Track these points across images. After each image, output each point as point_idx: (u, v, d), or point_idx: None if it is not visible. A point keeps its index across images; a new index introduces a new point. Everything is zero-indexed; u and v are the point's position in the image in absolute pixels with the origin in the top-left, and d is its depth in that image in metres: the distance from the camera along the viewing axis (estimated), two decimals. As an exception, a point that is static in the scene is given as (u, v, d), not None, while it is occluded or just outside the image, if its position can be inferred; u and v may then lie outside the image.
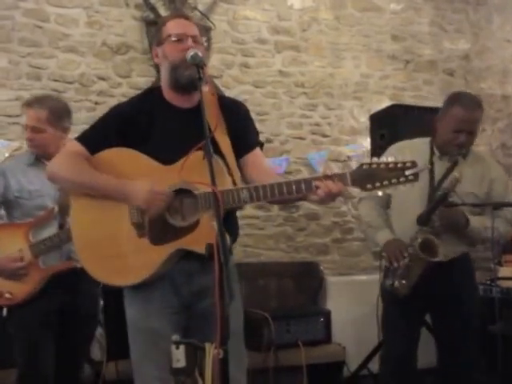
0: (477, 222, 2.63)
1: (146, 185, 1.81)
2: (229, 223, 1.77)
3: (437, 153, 2.71)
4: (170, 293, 1.93)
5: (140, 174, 1.86)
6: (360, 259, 4.62)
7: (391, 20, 4.84)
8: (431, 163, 2.66)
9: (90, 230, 1.91)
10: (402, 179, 1.67)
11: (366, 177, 1.68)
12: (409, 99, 4.71)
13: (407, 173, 1.67)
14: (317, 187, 1.69)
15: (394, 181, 1.67)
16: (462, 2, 5.04)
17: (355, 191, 4.58)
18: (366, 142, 4.27)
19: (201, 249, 1.73)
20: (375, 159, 1.72)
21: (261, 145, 2.08)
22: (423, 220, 2.57)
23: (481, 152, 2.96)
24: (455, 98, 2.67)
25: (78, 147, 1.94)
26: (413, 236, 2.59)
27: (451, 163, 2.57)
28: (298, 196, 1.75)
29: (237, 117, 2.00)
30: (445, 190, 2.49)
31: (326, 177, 1.69)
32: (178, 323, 1.93)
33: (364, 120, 4.54)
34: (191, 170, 1.78)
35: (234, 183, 1.85)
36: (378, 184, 1.68)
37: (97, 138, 1.95)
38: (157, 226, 1.83)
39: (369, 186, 1.68)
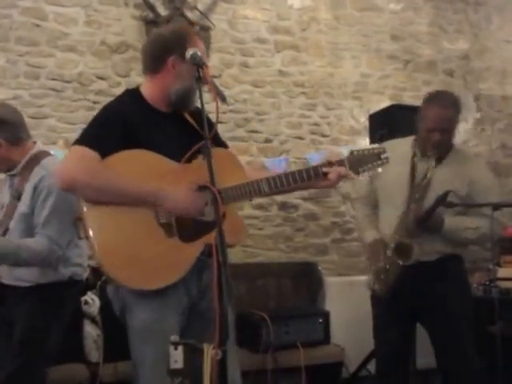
0: (455, 222, 2.60)
1: (182, 192, 1.86)
2: None
3: (418, 153, 2.68)
4: (183, 294, 1.93)
5: (157, 175, 1.86)
6: (359, 260, 4.59)
7: (391, 20, 4.83)
8: (412, 164, 2.66)
9: (113, 235, 1.82)
10: (379, 162, 1.94)
11: (357, 162, 1.93)
12: (408, 99, 4.69)
13: (382, 156, 1.94)
14: (325, 173, 1.91)
15: (375, 163, 1.94)
16: (462, 3, 5.04)
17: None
18: (366, 142, 4.25)
19: (229, 241, 1.72)
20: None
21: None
22: (421, 219, 2.55)
23: (467, 152, 2.93)
24: (429, 98, 2.66)
25: (91, 152, 1.83)
26: (389, 239, 2.60)
27: (431, 164, 2.56)
28: (307, 184, 1.93)
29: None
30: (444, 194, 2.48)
31: (331, 163, 1.91)
32: (180, 323, 1.92)
33: (363, 120, 4.53)
34: (199, 170, 1.77)
35: None
36: (365, 168, 1.93)
37: (107, 142, 1.86)
38: (185, 224, 1.85)
39: (360, 169, 1.92)
